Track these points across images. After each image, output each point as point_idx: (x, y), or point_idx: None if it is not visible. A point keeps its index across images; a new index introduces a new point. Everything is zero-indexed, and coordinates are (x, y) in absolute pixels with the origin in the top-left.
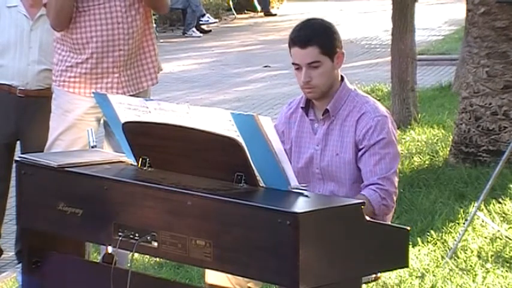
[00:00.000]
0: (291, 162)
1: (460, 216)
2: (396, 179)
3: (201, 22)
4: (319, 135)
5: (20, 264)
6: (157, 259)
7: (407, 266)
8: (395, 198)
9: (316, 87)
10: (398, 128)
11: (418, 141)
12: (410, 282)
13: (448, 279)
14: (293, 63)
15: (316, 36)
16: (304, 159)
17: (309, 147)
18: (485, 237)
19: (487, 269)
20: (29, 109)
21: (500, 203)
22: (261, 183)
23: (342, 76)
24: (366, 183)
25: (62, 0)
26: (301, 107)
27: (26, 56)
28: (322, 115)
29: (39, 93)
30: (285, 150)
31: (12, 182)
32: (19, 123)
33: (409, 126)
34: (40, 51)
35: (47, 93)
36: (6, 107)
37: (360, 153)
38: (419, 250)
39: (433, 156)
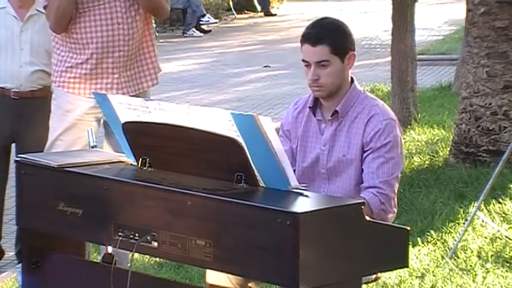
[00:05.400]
0: (296, 161)
1: (460, 216)
2: (397, 185)
3: (201, 22)
4: (326, 136)
5: (20, 264)
6: (157, 259)
7: (407, 266)
8: (393, 204)
9: (323, 86)
10: None
11: (418, 141)
12: (410, 282)
13: (448, 279)
14: (303, 60)
15: (327, 35)
16: (310, 159)
17: (315, 147)
18: (485, 237)
19: (487, 269)
20: (23, 111)
21: (500, 203)
22: (261, 183)
23: (351, 77)
24: (366, 185)
25: (64, 6)
26: (309, 107)
27: (18, 57)
28: (331, 116)
29: (33, 95)
30: (291, 149)
31: (12, 182)
32: (14, 126)
33: (409, 126)
34: (31, 52)
35: (40, 94)
36: (1, 109)
37: (364, 155)
38: (419, 250)
39: (433, 156)
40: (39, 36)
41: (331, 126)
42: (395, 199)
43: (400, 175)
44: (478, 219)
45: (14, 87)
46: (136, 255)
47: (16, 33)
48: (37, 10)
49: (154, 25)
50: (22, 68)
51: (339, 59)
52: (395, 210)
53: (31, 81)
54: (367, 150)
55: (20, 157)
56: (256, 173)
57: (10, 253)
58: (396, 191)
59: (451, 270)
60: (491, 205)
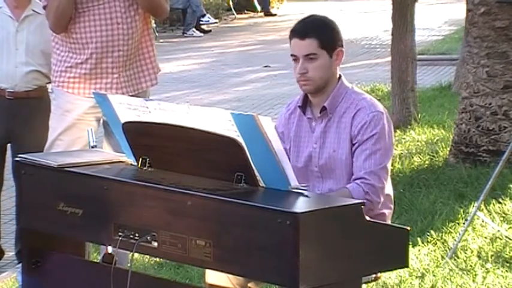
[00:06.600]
0: (290, 162)
1: (460, 216)
2: (385, 175)
3: (201, 22)
4: (316, 133)
5: (20, 264)
6: (157, 259)
7: (407, 266)
8: (381, 194)
9: (311, 79)
10: (398, 128)
11: (418, 141)
12: (410, 282)
13: (448, 279)
14: (291, 55)
15: (316, 29)
16: (304, 158)
17: (308, 146)
18: (485, 237)
19: (487, 269)
20: (19, 111)
21: (500, 203)
22: (261, 183)
23: (339, 74)
24: (354, 177)
25: (63, 6)
26: (299, 106)
27: (14, 57)
28: (320, 113)
29: (28, 95)
30: (285, 149)
31: (12, 182)
32: (10, 126)
33: (409, 126)
34: (27, 53)
35: (35, 94)
36: None
37: (353, 148)
38: (419, 250)
39: (433, 156)
40: (35, 37)
41: (321, 123)
42: (385, 190)
43: (389, 166)
44: (478, 219)
45: (9, 87)
46: (136, 255)
47: (12, 33)
48: (33, 10)
49: (154, 25)
50: (17, 68)
51: (327, 54)
52: (392, 206)
53: (26, 81)
54: (355, 144)
55: (20, 157)
56: (256, 173)
57: (10, 253)
58: (384, 180)
59: (451, 270)
60: (491, 205)
